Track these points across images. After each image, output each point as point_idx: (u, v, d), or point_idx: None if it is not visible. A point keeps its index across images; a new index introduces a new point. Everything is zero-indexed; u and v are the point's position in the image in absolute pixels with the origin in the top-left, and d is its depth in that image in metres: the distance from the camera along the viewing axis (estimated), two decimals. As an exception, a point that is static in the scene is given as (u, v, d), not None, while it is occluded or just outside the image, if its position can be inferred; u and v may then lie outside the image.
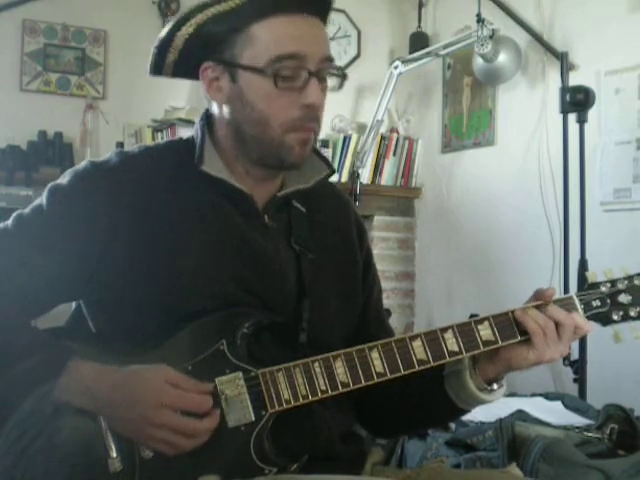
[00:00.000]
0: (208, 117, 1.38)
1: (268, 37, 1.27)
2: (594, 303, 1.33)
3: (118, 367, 1.23)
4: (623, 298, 1.33)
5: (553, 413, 2.39)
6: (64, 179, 1.33)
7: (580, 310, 1.32)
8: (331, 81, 1.35)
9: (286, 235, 1.38)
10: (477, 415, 2.17)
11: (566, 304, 1.32)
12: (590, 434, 2.19)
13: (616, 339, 1.33)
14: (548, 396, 2.61)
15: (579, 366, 2.87)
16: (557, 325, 1.29)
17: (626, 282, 1.33)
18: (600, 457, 2.05)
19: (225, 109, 1.33)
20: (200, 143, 1.34)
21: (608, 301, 1.33)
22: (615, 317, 1.33)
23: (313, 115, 1.30)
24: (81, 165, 1.35)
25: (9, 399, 1.20)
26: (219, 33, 1.29)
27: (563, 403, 2.54)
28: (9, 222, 1.32)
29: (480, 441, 2.10)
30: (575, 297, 1.33)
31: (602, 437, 2.18)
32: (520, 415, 2.23)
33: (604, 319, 1.33)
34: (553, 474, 1.94)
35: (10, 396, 1.20)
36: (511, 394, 2.59)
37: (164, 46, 1.32)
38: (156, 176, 1.33)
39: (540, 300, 1.31)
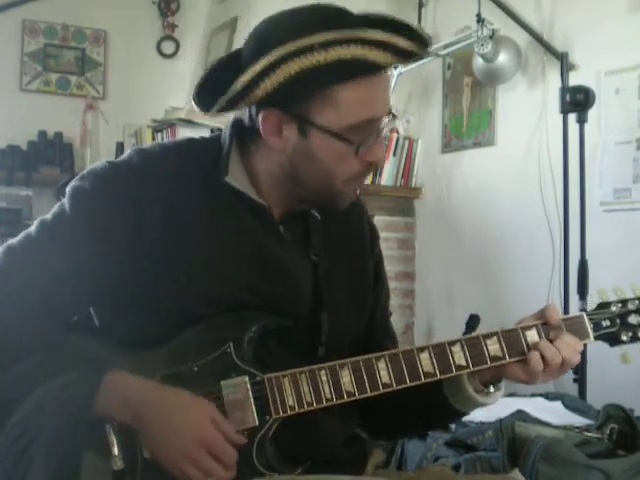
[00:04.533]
0: (239, 126, 1.35)
1: (350, 102, 1.24)
2: (604, 323, 1.33)
3: (162, 385, 1.22)
4: (633, 319, 1.32)
5: (553, 413, 2.39)
6: (84, 181, 1.31)
7: (590, 330, 1.32)
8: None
9: (303, 245, 1.37)
10: (477, 415, 2.17)
11: (576, 323, 1.32)
12: (590, 434, 2.19)
13: (624, 360, 1.32)
14: (548, 396, 2.61)
15: (579, 366, 2.87)
16: (562, 360, 1.29)
17: (637, 302, 1.33)
18: (600, 457, 2.05)
19: (283, 156, 1.30)
20: (226, 154, 1.33)
21: (618, 321, 1.33)
22: (624, 338, 1.32)
23: (374, 169, 1.34)
24: (100, 166, 1.33)
25: (45, 413, 1.19)
26: (299, 89, 1.23)
27: (563, 403, 2.54)
28: (32, 229, 1.31)
29: (480, 441, 2.10)
30: (585, 317, 1.32)
31: (602, 437, 2.18)
32: (520, 415, 2.23)
33: (613, 339, 1.33)
34: (553, 474, 1.94)
35: (47, 410, 1.19)
36: (511, 394, 2.59)
37: (241, 96, 1.24)
38: (176, 177, 1.32)
39: (546, 321, 1.31)
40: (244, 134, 1.34)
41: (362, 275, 1.45)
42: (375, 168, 1.34)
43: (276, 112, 1.27)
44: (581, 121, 3.00)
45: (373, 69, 1.24)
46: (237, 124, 1.36)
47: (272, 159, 1.32)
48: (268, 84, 1.22)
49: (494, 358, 1.29)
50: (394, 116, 1.33)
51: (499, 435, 2.06)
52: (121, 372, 1.22)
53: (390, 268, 4.30)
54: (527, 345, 1.29)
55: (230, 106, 1.27)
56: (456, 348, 1.29)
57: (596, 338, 1.33)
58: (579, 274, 2.93)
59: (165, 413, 1.20)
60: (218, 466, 1.19)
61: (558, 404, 2.53)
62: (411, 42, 1.25)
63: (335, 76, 1.22)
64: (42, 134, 4.01)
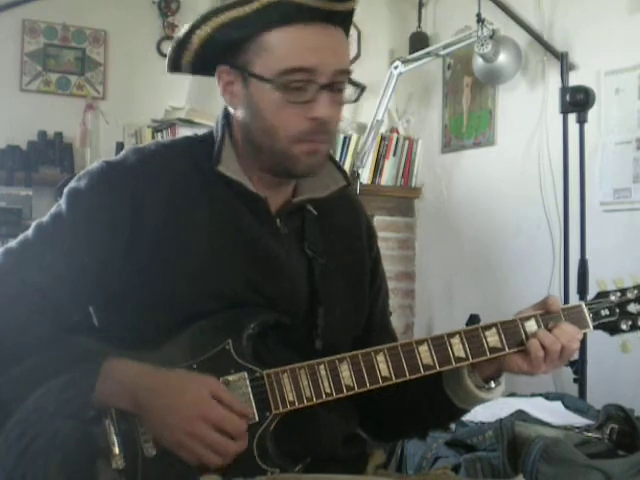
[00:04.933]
0: (228, 116, 1.37)
1: (280, 48, 1.25)
2: (603, 312, 1.32)
3: (159, 368, 1.22)
4: (632, 308, 1.32)
5: (553, 413, 2.39)
6: (80, 182, 1.32)
7: (589, 319, 1.31)
8: (348, 91, 1.33)
9: (298, 240, 1.37)
10: (477, 415, 2.17)
11: (575, 313, 1.32)
12: (590, 434, 2.19)
13: (624, 349, 1.32)
14: (548, 396, 2.61)
15: (579, 366, 2.87)
16: (561, 347, 1.28)
17: (636, 291, 1.33)
18: (600, 457, 2.05)
19: (238, 114, 1.33)
20: (219, 143, 1.34)
21: (617, 310, 1.32)
22: (624, 327, 1.32)
23: (321, 128, 1.28)
24: (96, 166, 1.33)
25: (46, 412, 1.19)
26: (234, 38, 1.28)
27: (563, 403, 2.54)
28: (29, 232, 1.31)
29: (480, 441, 2.09)
30: (584, 306, 1.32)
31: (602, 437, 2.17)
32: (520, 415, 2.22)
33: (612, 328, 1.33)
34: (553, 474, 1.94)
35: (47, 409, 1.19)
36: (511, 394, 2.59)
37: (181, 46, 1.31)
38: (173, 174, 1.32)
39: (545, 310, 1.31)
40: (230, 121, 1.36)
41: (359, 273, 1.44)
42: (321, 127, 1.28)
43: (225, 68, 1.31)
44: (581, 121, 3.00)
45: (301, 16, 1.25)
46: (226, 113, 1.37)
47: (239, 125, 1.34)
48: (202, 32, 1.28)
49: (493, 349, 1.29)
50: (352, 82, 1.31)
51: (499, 435, 2.06)
52: (120, 359, 1.23)
53: (390, 268, 4.33)
54: (526, 335, 1.29)
55: (175, 57, 1.32)
56: (455, 340, 1.29)
57: (595, 327, 1.32)
58: (579, 274, 2.93)
59: (163, 394, 1.20)
60: (224, 439, 1.19)
61: (558, 404, 2.53)
62: None
63: (264, 23, 1.25)
64: (42, 134, 4.00)
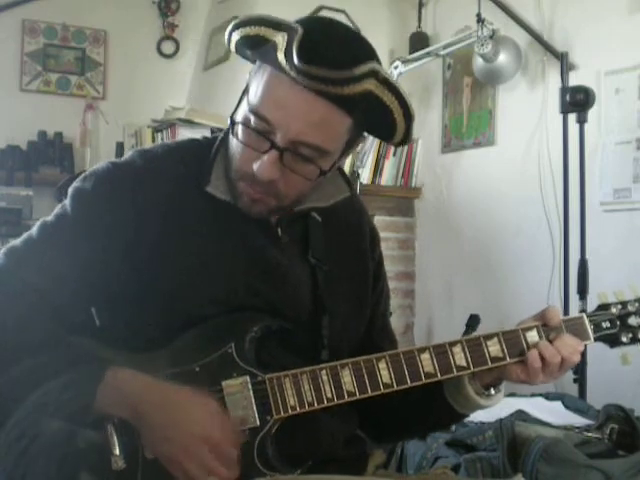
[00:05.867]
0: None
1: (262, 85, 1.22)
2: (604, 324, 1.32)
3: (163, 382, 1.21)
4: (633, 320, 1.32)
5: (553, 413, 2.39)
6: (86, 182, 1.31)
7: (590, 331, 1.32)
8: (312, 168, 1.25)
9: (301, 247, 1.37)
10: (477, 415, 2.16)
11: (576, 324, 1.32)
12: (590, 434, 2.19)
13: (624, 361, 1.32)
14: (548, 396, 2.61)
15: (579, 366, 2.87)
16: (561, 359, 1.29)
17: (637, 304, 1.33)
18: (600, 457, 2.05)
19: None
20: (210, 161, 1.33)
21: (618, 323, 1.33)
22: (624, 339, 1.32)
23: (264, 184, 1.24)
24: (102, 167, 1.33)
25: (46, 413, 1.19)
26: (248, 52, 1.27)
27: (563, 403, 2.54)
28: (33, 230, 1.31)
29: (480, 441, 2.10)
30: (585, 318, 1.32)
31: (602, 437, 2.18)
32: (520, 415, 2.23)
33: (613, 341, 1.33)
34: (553, 474, 1.94)
35: (47, 410, 1.18)
36: (511, 394, 2.59)
37: (227, 40, 1.29)
38: (177, 179, 1.32)
39: (545, 323, 1.31)
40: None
41: (362, 278, 1.44)
42: (262, 182, 1.23)
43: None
44: (581, 121, 3.00)
45: (294, 75, 1.18)
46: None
47: None
48: (236, 35, 1.26)
49: (495, 359, 1.29)
50: (316, 149, 1.22)
51: (499, 435, 2.06)
52: (123, 368, 1.22)
53: (390, 268, 4.32)
54: (527, 346, 1.29)
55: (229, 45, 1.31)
56: (457, 349, 1.28)
57: (596, 339, 1.33)
58: (579, 274, 2.93)
59: (166, 410, 1.19)
60: (218, 464, 1.18)
61: (558, 404, 2.53)
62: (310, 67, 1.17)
63: (267, 55, 1.22)
64: (42, 134, 4.01)
